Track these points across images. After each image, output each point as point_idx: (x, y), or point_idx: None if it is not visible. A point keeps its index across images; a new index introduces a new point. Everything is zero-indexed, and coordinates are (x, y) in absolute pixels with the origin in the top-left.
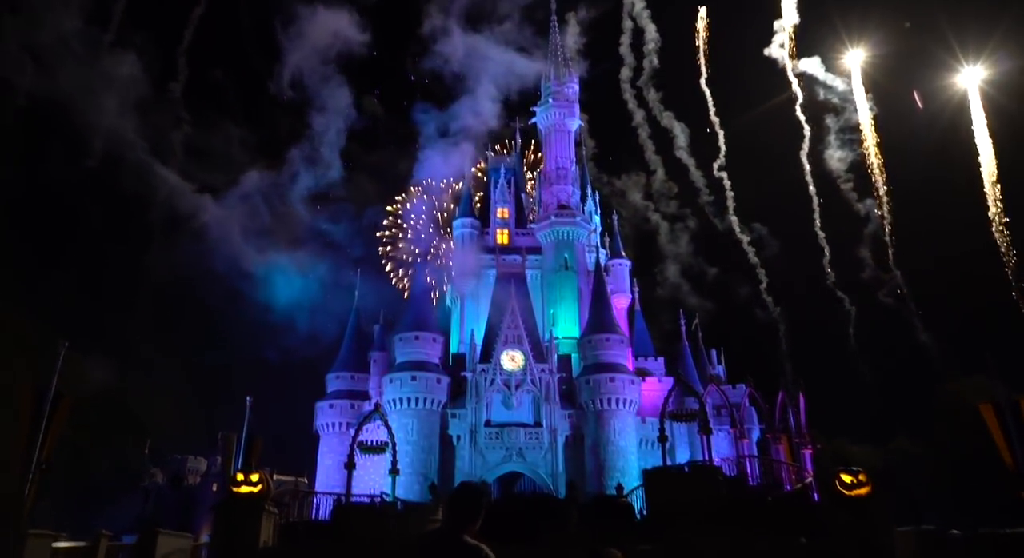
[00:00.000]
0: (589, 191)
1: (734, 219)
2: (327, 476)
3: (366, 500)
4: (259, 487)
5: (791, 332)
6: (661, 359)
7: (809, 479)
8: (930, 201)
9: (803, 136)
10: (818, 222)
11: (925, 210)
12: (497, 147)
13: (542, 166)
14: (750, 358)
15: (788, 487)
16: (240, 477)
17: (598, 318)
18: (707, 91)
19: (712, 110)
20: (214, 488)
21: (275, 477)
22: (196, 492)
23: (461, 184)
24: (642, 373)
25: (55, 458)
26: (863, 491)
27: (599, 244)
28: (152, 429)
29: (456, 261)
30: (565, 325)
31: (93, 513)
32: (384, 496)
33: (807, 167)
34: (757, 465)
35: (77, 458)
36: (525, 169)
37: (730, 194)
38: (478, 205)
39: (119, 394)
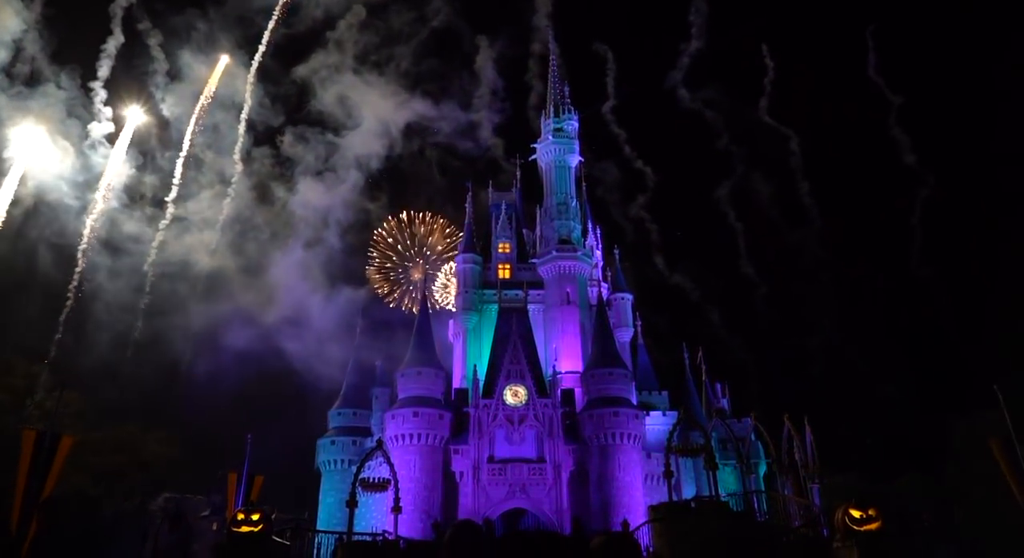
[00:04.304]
0: (590, 226)
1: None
2: (329, 514)
3: (368, 539)
4: (260, 526)
5: (793, 365)
6: (665, 393)
7: (817, 514)
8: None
9: (724, 168)
10: (744, 255)
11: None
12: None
13: (543, 201)
14: (756, 391)
15: (796, 522)
16: (241, 516)
17: (601, 352)
18: (617, 129)
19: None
20: (214, 527)
21: (275, 515)
22: (196, 531)
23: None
24: (646, 407)
25: (58, 497)
26: (873, 526)
27: (601, 278)
28: (152, 467)
29: (458, 296)
30: (568, 359)
31: (95, 553)
32: (386, 534)
33: (726, 200)
34: (764, 500)
35: (79, 497)
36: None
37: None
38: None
39: (120, 434)
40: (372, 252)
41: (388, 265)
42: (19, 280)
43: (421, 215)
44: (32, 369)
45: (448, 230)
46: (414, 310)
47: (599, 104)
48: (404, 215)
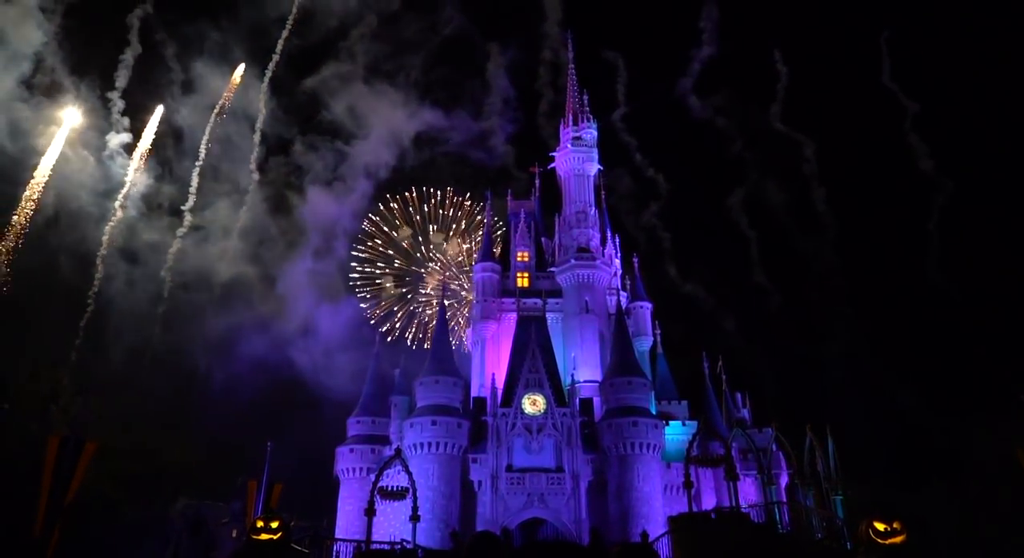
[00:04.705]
0: (609, 234)
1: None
2: (347, 522)
3: (387, 547)
4: (279, 534)
5: (811, 373)
6: (685, 402)
7: (840, 526)
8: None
9: (737, 177)
10: (758, 262)
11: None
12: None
13: (562, 210)
14: (776, 400)
15: (819, 534)
16: (260, 523)
17: (620, 361)
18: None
19: (638, 155)
20: (234, 534)
21: (294, 523)
22: (216, 538)
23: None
24: (665, 417)
25: (81, 502)
26: (898, 539)
27: (620, 287)
28: (171, 473)
29: (476, 304)
30: (586, 368)
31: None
32: (405, 543)
33: (741, 208)
34: (786, 511)
35: (101, 502)
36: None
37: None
38: (498, 247)
39: (139, 439)
40: (362, 249)
41: (383, 271)
42: (41, 287)
43: (441, 192)
44: (55, 375)
45: (478, 219)
46: (425, 345)
47: (610, 112)
48: (413, 194)
